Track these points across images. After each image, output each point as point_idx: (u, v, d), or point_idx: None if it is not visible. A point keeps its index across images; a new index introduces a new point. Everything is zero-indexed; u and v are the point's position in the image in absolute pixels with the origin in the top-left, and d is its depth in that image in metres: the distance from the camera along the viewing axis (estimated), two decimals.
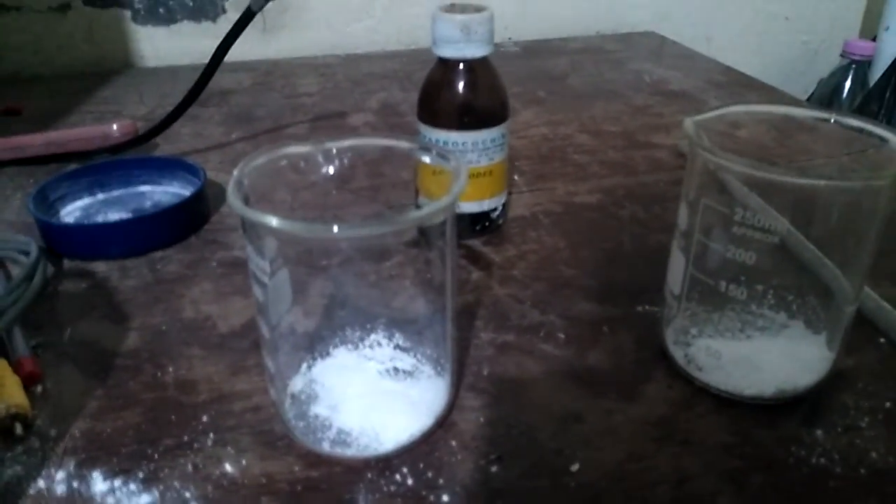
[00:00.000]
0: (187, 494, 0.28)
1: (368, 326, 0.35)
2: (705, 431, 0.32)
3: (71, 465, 0.30)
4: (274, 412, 0.32)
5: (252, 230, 0.28)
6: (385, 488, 0.29)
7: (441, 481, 0.29)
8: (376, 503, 0.28)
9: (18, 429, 0.31)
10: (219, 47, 0.56)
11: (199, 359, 0.36)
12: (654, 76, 0.83)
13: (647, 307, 0.40)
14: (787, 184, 0.29)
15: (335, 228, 0.25)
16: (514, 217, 0.51)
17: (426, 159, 0.32)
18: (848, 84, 1.02)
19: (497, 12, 0.44)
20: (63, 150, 0.58)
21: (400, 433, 0.31)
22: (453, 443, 0.31)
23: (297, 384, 0.33)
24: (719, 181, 0.32)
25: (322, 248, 0.32)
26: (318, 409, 0.32)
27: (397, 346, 0.35)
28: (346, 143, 0.33)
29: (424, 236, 0.31)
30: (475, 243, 0.47)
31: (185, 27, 0.90)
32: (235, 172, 0.28)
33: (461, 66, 0.43)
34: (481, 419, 0.33)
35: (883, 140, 0.32)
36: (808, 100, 1.08)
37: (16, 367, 0.34)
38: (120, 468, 0.30)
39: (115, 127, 0.59)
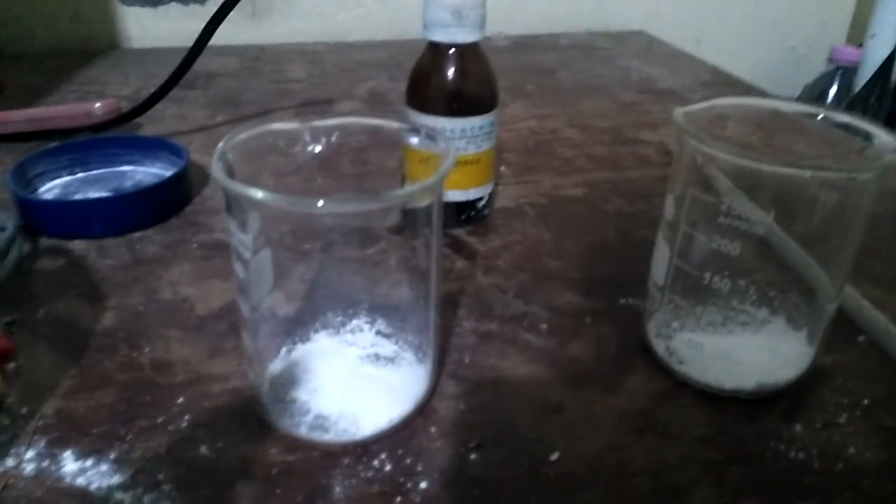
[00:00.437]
0: (160, 476, 0.28)
1: (350, 311, 0.35)
2: (685, 424, 0.32)
3: (41, 444, 0.29)
4: (251, 395, 0.32)
5: (236, 205, 0.27)
6: (362, 474, 0.28)
7: (419, 468, 0.29)
8: (353, 489, 0.28)
9: None
10: (205, 28, 0.55)
11: (176, 340, 0.36)
12: (642, 74, 0.83)
13: (629, 300, 0.40)
14: (774, 174, 0.29)
15: (320, 203, 0.25)
16: (500, 208, 0.51)
17: (414, 140, 0.31)
18: (833, 90, 1.03)
19: (489, 5, 0.43)
20: (44, 127, 0.57)
21: (379, 419, 0.30)
22: (433, 429, 0.31)
23: (276, 368, 0.33)
24: (707, 170, 0.32)
25: (306, 229, 0.32)
26: (297, 394, 0.31)
27: (379, 332, 0.35)
28: (334, 121, 0.32)
29: (410, 221, 0.30)
30: (460, 233, 0.47)
31: (173, 9, 0.89)
32: (220, 145, 0.28)
33: (452, 51, 0.43)
34: (462, 407, 0.32)
35: (868, 138, 0.32)
36: None
37: None
38: (92, 448, 0.29)
39: (97, 105, 0.58)
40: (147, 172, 0.52)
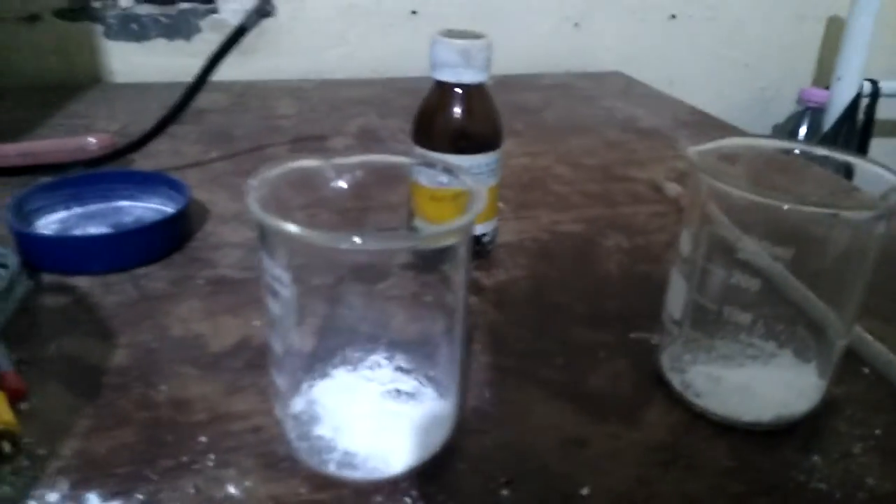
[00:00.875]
0: None
1: (369, 347, 0.35)
2: (708, 456, 0.32)
3: (65, 486, 0.28)
4: (275, 433, 0.32)
5: (270, 240, 0.27)
6: None
7: None
8: None
9: (6, 447, 0.29)
10: (207, 64, 0.55)
11: (192, 378, 0.35)
12: (624, 113, 0.85)
13: (640, 334, 0.41)
14: (786, 214, 0.30)
15: (357, 239, 0.25)
16: (503, 243, 0.51)
17: (443, 180, 0.32)
18: (803, 130, 1.07)
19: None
20: (39, 161, 0.56)
21: (407, 455, 0.30)
22: (461, 466, 0.31)
23: (297, 404, 0.32)
24: (722, 206, 0.33)
25: (327, 265, 0.32)
26: (322, 431, 0.31)
27: (398, 368, 0.35)
28: (357, 159, 0.33)
29: (435, 259, 0.31)
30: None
31: (158, 44, 0.89)
32: (252, 181, 0.28)
33: (458, 90, 0.44)
34: (487, 442, 0.32)
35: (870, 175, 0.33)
36: None
37: (0, 383, 0.32)
38: (117, 489, 0.28)
39: (92, 139, 0.58)
40: (145, 208, 0.52)
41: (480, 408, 0.35)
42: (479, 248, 0.48)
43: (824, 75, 1.14)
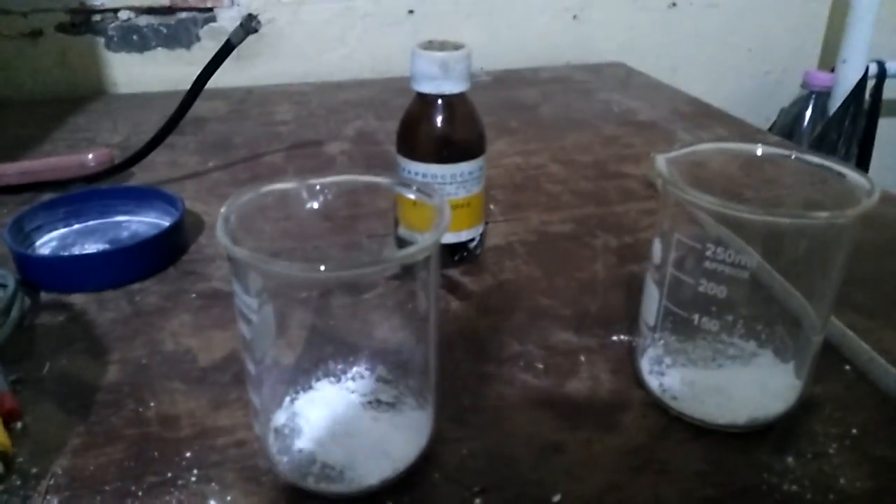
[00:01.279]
0: None
1: (350, 359, 0.36)
2: (681, 460, 0.33)
3: None
4: (258, 447, 0.33)
5: (239, 267, 0.28)
6: None
7: None
8: None
9: (0, 468, 0.31)
10: (197, 79, 0.56)
11: (180, 393, 0.36)
12: (621, 106, 0.85)
13: (621, 337, 0.41)
14: (755, 221, 0.30)
15: (322, 268, 0.26)
16: (491, 246, 0.52)
17: (410, 196, 0.33)
18: (808, 113, 1.06)
19: (470, 43, 0.45)
20: (38, 179, 0.58)
21: (385, 467, 0.31)
22: (437, 475, 0.32)
23: (280, 418, 0.33)
24: (691, 215, 0.34)
25: (304, 282, 0.33)
26: (302, 444, 0.32)
27: (380, 378, 0.36)
28: (328, 180, 0.33)
29: (408, 269, 0.32)
30: (454, 273, 0.48)
31: (159, 54, 0.90)
32: (223, 210, 0.29)
33: (439, 101, 0.44)
34: (464, 451, 0.33)
35: (841, 175, 0.33)
36: (770, 128, 1.11)
37: None
38: None
39: (90, 156, 0.59)
40: (142, 222, 0.53)
41: (459, 415, 0.35)
42: (467, 254, 0.49)
43: (830, 57, 1.12)
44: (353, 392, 0.35)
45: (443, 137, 0.45)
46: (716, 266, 0.32)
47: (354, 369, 0.36)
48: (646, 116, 0.81)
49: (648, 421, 0.35)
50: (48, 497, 0.30)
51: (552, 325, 0.43)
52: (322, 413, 0.34)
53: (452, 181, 0.45)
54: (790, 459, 0.33)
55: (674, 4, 1.07)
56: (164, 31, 0.89)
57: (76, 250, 0.50)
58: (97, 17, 0.87)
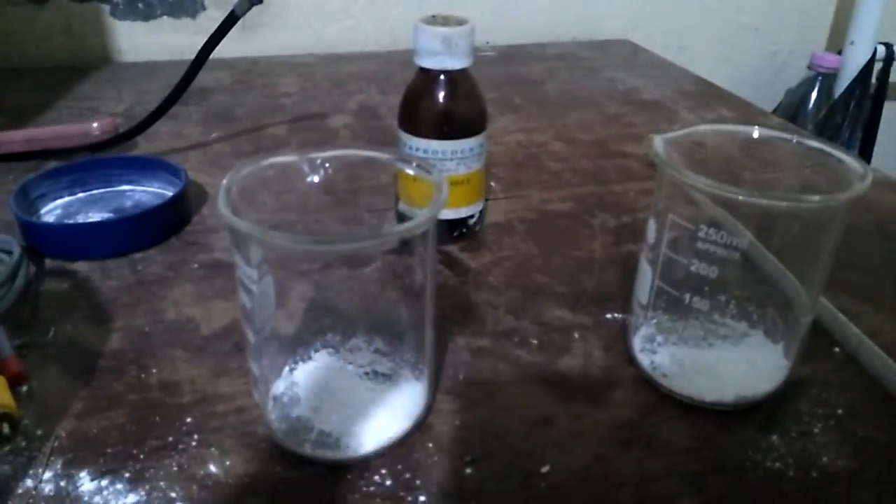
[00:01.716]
0: (173, 494, 0.29)
1: (349, 331, 0.36)
2: (669, 436, 0.34)
3: (58, 465, 0.31)
4: (257, 414, 0.34)
5: (240, 239, 0.29)
6: (364, 489, 0.30)
7: (418, 482, 0.31)
8: (356, 503, 0.30)
9: (5, 429, 0.32)
10: (201, 50, 0.56)
11: (182, 361, 0.37)
12: (626, 85, 0.85)
13: (616, 315, 0.42)
14: (749, 203, 0.31)
15: (321, 245, 0.26)
16: (491, 224, 0.52)
17: (409, 171, 0.33)
18: (814, 95, 1.06)
19: (475, 17, 0.45)
20: (43, 147, 0.58)
21: (380, 436, 0.32)
22: (430, 445, 0.33)
23: (279, 387, 0.34)
24: (686, 196, 0.34)
25: (303, 254, 0.33)
26: (300, 412, 0.33)
27: (377, 350, 0.36)
28: (330, 153, 0.34)
29: (406, 244, 0.32)
30: (453, 249, 0.49)
31: (165, 23, 0.90)
32: (224, 182, 0.29)
33: (442, 76, 0.45)
34: (457, 422, 0.34)
35: (837, 159, 0.34)
36: (775, 110, 1.11)
37: (1, 368, 0.34)
38: (107, 468, 0.31)
39: (95, 125, 0.60)
40: (146, 192, 0.54)
41: (453, 388, 0.36)
42: (466, 230, 0.49)
43: (838, 39, 1.12)
44: (350, 363, 0.36)
45: (444, 113, 0.45)
46: (708, 247, 0.32)
47: (352, 341, 0.36)
48: (650, 95, 0.81)
49: (638, 397, 0.36)
50: (52, 458, 0.31)
51: (548, 302, 0.43)
52: (320, 383, 0.35)
53: (453, 157, 0.46)
54: (775, 438, 0.34)
55: None
56: None
57: (80, 219, 0.50)
58: None
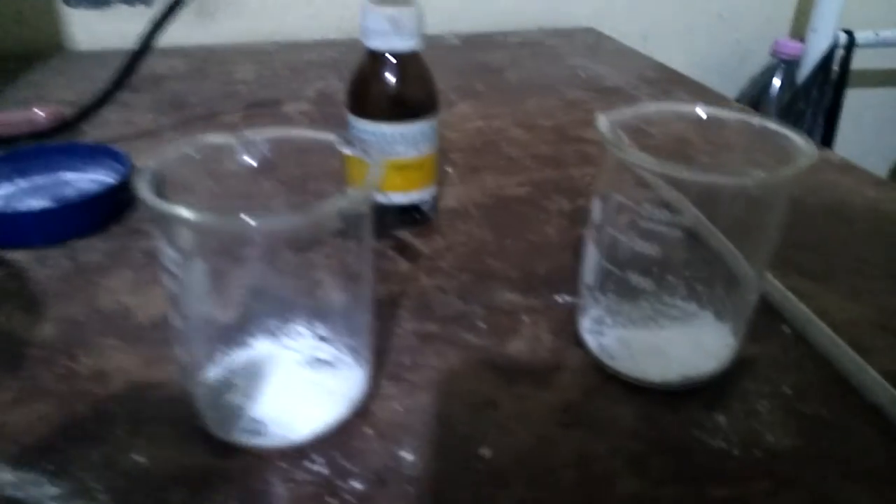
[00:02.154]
0: (95, 486, 0.28)
1: (288, 316, 0.35)
2: (613, 417, 0.33)
3: None
4: (187, 403, 0.32)
5: (163, 221, 0.28)
6: (297, 477, 0.29)
7: (354, 469, 0.30)
8: (288, 492, 0.29)
9: None
10: (146, 34, 0.55)
11: (115, 350, 0.36)
12: (588, 72, 0.84)
13: (565, 297, 0.41)
14: (692, 181, 0.30)
15: (252, 222, 0.25)
16: (445, 209, 0.52)
17: (347, 151, 0.32)
18: (777, 82, 1.06)
19: (440, 4, 0.44)
20: None
21: (314, 422, 0.31)
22: (369, 431, 0.32)
23: (212, 374, 0.33)
24: (630, 175, 0.33)
25: (241, 237, 0.32)
26: (233, 399, 0.32)
27: (318, 336, 0.35)
28: (267, 134, 0.33)
29: (346, 227, 0.31)
30: (405, 235, 0.48)
31: (120, 10, 0.88)
32: (150, 163, 0.28)
33: (390, 57, 0.44)
34: (398, 408, 0.33)
35: (784, 137, 0.33)
36: (738, 98, 1.11)
37: None
38: (30, 460, 0.29)
39: (40, 112, 0.58)
40: (89, 180, 0.52)
41: (397, 374, 0.35)
42: (419, 216, 0.49)
43: (801, 26, 1.12)
44: (289, 349, 0.35)
45: (393, 95, 0.44)
46: (651, 225, 0.32)
47: (292, 327, 0.35)
48: (612, 82, 0.81)
49: (584, 379, 0.35)
50: None
51: (499, 286, 0.43)
52: (255, 369, 0.34)
53: (403, 141, 0.45)
54: (721, 417, 0.33)
55: None
56: None
57: (21, 207, 0.49)
58: None
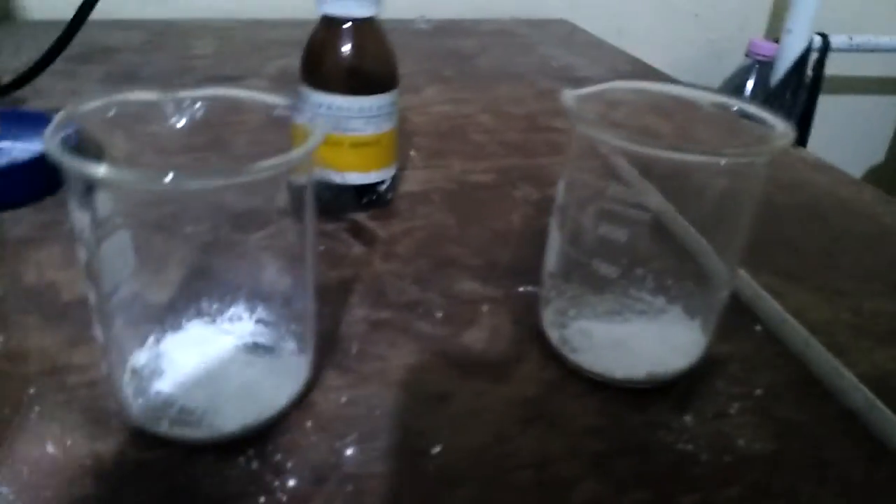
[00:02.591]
0: None
1: (228, 299, 0.33)
2: (574, 414, 0.31)
3: None
4: (109, 388, 0.29)
5: (77, 181, 0.25)
6: (225, 472, 0.26)
7: (289, 465, 0.27)
8: (213, 488, 0.26)
9: None
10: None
11: (35, 328, 0.33)
12: (561, 62, 0.82)
13: (528, 288, 0.39)
14: (662, 159, 0.28)
15: (168, 177, 0.22)
16: (406, 193, 0.49)
17: (297, 120, 0.29)
18: (751, 83, 1.05)
19: None
20: None
21: (248, 414, 0.28)
22: (309, 424, 0.29)
23: (140, 359, 0.30)
24: (598, 160, 0.31)
25: (176, 209, 0.29)
26: (161, 386, 0.29)
27: (259, 321, 0.33)
28: (201, 92, 0.30)
29: (286, 205, 0.28)
30: (361, 217, 0.45)
31: None
32: (61, 113, 0.25)
33: (347, 25, 0.41)
34: (343, 399, 0.30)
35: (759, 119, 0.31)
36: None
37: None
38: None
39: None
40: (25, 149, 0.48)
41: (344, 363, 0.33)
42: (377, 198, 0.46)
43: (776, 28, 1.11)
44: (228, 334, 0.32)
45: (350, 66, 0.42)
46: (616, 207, 0.29)
47: (232, 310, 0.33)
48: (584, 73, 0.79)
49: (545, 373, 0.33)
50: None
51: (458, 274, 0.40)
52: (189, 355, 0.31)
53: (360, 115, 0.42)
54: (688, 418, 0.31)
55: None
56: None
57: None
58: None
